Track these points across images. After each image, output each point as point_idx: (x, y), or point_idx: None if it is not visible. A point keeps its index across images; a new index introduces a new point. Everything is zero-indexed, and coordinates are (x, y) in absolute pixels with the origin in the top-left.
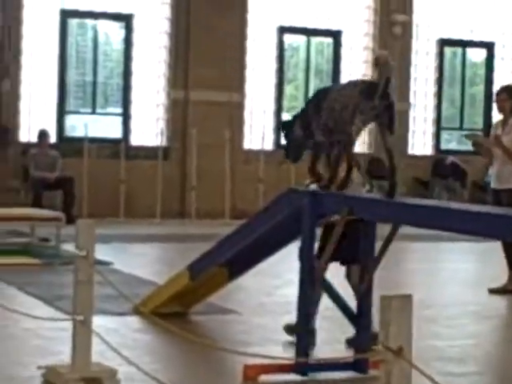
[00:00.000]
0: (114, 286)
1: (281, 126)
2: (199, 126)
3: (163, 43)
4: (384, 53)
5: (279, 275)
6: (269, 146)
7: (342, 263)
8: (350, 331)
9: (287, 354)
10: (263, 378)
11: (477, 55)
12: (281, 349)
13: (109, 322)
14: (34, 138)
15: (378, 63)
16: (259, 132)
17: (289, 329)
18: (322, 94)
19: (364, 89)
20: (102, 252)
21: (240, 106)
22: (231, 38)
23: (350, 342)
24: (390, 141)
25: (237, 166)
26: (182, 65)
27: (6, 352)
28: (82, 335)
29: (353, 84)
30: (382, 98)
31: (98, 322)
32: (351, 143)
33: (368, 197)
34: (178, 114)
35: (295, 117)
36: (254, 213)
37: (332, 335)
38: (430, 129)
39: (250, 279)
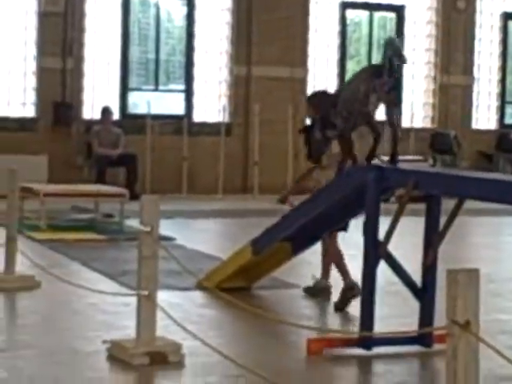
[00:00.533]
0: (178, 261)
1: (300, 130)
2: (262, 102)
3: (225, 19)
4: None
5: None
6: None
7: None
8: (414, 305)
9: (352, 328)
10: (327, 351)
11: None
12: (345, 323)
13: (173, 297)
14: (97, 115)
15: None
16: None
17: (308, 290)
18: (335, 96)
19: (374, 70)
20: (165, 228)
21: (302, 82)
22: (294, 14)
23: (307, 290)
24: (395, 116)
25: (299, 142)
26: (244, 41)
27: (72, 327)
28: (146, 310)
29: (361, 72)
30: (389, 75)
31: (162, 296)
32: (372, 119)
33: (433, 171)
34: (241, 90)
35: (314, 121)
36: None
37: (396, 310)
38: (494, 103)
39: (313, 254)
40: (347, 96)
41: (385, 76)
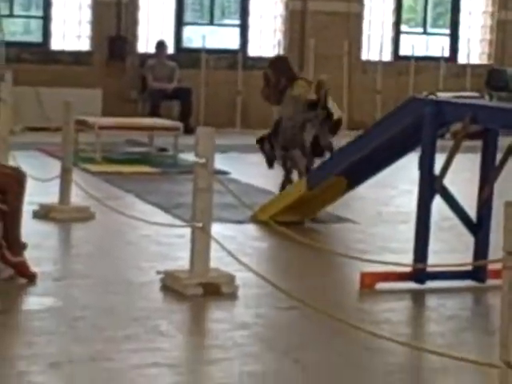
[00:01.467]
0: (233, 194)
1: (256, 141)
2: (317, 37)
3: None
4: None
5: (396, 185)
6: (387, 56)
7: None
8: (468, 241)
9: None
10: (380, 285)
11: None
12: (398, 257)
13: (226, 230)
14: (152, 49)
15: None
16: (377, 43)
17: None
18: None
19: (308, 104)
20: (219, 162)
21: (359, 17)
22: None
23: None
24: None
25: (354, 77)
26: None
27: (126, 258)
28: (200, 241)
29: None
30: (322, 109)
31: (216, 229)
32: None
33: (491, 104)
34: (296, 24)
35: (263, 137)
36: (371, 124)
37: (450, 245)
38: None
39: (367, 189)
40: (288, 126)
41: (318, 110)
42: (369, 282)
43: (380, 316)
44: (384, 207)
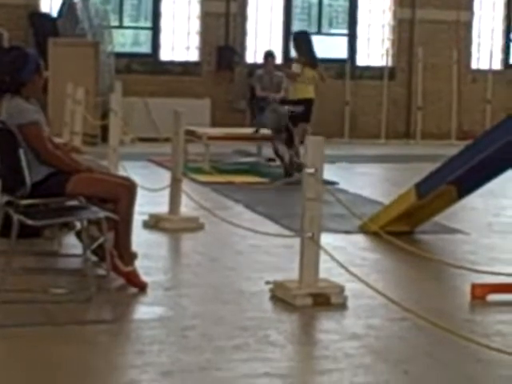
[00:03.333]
0: (342, 204)
1: None
2: (426, 46)
3: None
4: None
5: (507, 195)
6: (497, 65)
7: None
8: None
9: None
10: (491, 296)
11: None
12: (509, 269)
13: (336, 240)
14: (260, 59)
15: None
16: (487, 51)
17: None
18: None
19: None
20: (327, 172)
21: (468, 25)
22: None
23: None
24: None
25: (464, 86)
26: None
27: (235, 267)
28: (310, 251)
29: None
30: None
31: (325, 239)
32: None
33: None
34: (405, 33)
35: None
36: (480, 134)
37: None
38: None
39: (477, 199)
40: None
41: None
42: (480, 294)
43: (491, 328)
44: (495, 218)
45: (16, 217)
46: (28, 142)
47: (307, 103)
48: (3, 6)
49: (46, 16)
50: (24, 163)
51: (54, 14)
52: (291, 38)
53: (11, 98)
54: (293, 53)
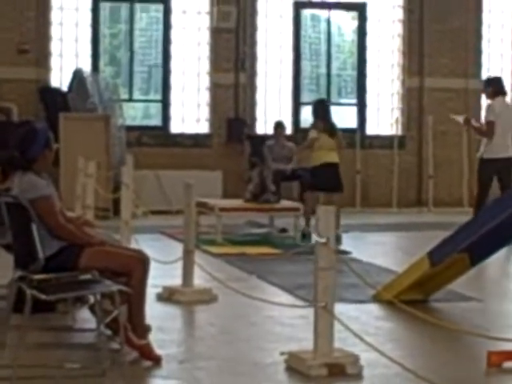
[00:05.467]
0: (356, 274)
1: None
2: (435, 114)
3: (397, 31)
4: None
5: None
6: None
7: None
8: None
9: None
10: (508, 364)
11: None
12: None
13: (349, 310)
14: (270, 130)
15: None
16: None
17: None
18: None
19: None
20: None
21: (477, 93)
22: (466, 24)
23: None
24: None
25: (474, 153)
26: (416, 52)
27: (250, 338)
28: (324, 321)
29: None
30: None
31: (339, 309)
32: None
33: None
34: (414, 102)
35: None
36: (492, 200)
37: None
38: None
39: (491, 265)
40: None
41: None
42: (496, 361)
43: None
44: (509, 284)
45: (29, 292)
46: (40, 217)
47: (328, 169)
48: (13, 80)
49: (57, 90)
50: (36, 238)
51: (64, 88)
52: (312, 104)
53: (22, 174)
54: (305, 121)
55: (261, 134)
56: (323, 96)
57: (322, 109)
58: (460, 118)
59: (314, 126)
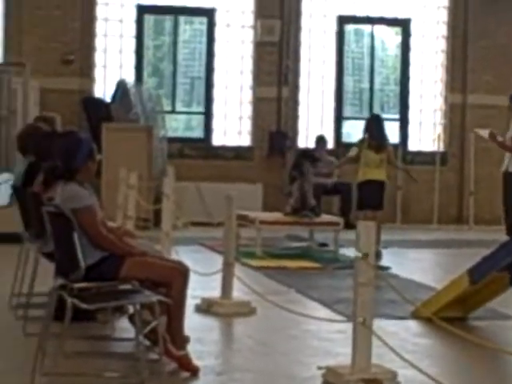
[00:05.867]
0: (395, 290)
1: None
2: None
3: (440, 47)
4: None
5: None
6: None
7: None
8: None
9: None
10: None
11: None
12: None
13: (388, 325)
14: (311, 144)
15: None
16: None
17: None
18: None
19: None
20: None
21: None
22: (510, 41)
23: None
24: None
25: None
26: (459, 68)
27: (288, 352)
28: (362, 337)
29: None
30: None
31: (377, 324)
32: None
33: None
34: (456, 118)
35: None
36: None
37: None
38: None
39: None
40: None
41: None
42: None
43: None
44: None
45: (69, 300)
46: (82, 227)
47: (371, 186)
48: (57, 91)
49: (100, 101)
50: (78, 247)
51: (108, 99)
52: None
53: (65, 184)
54: (347, 136)
55: (307, 148)
56: (365, 111)
57: (370, 125)
58: (485, 133)
59: (359, 142)
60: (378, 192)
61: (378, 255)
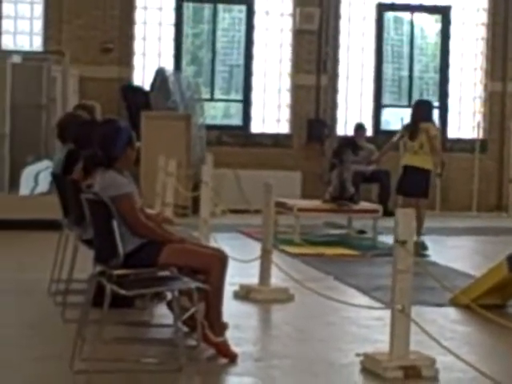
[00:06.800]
0: (434, 277)
1: None
2: None
3: (480, 35)
4: None
5: None
6: None
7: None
8: None
9: None
10: None
11: None
12: None
13: (426, 313)
14: (350, 132)
15: None
16: None
17: None
18: None
19: None
20: None
21: None
22: None
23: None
24: None
25: None
26: (500, 56)
27: (327, 339)
28: (400, 324)
29: None
30: None
31: (416, 311)
32: None
33: None
34: (496, 106)
35: None
36: None
37: None
38: None
39: None
40: None
41: None
42: None
43: None
44: None
45: (109, 286)
46: (121, 214)
47: (405, 172)
48: (96, 79)
49: (139, 89)
50: (117, 234)
51: (147, 87)
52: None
53: (104, 171)
54: (386, 123)
55: (349, 136)
56: (404, 98)
57: (413, 110)
58: None
59: (403, 128)
60: (409, 178)
61: (424, 246)
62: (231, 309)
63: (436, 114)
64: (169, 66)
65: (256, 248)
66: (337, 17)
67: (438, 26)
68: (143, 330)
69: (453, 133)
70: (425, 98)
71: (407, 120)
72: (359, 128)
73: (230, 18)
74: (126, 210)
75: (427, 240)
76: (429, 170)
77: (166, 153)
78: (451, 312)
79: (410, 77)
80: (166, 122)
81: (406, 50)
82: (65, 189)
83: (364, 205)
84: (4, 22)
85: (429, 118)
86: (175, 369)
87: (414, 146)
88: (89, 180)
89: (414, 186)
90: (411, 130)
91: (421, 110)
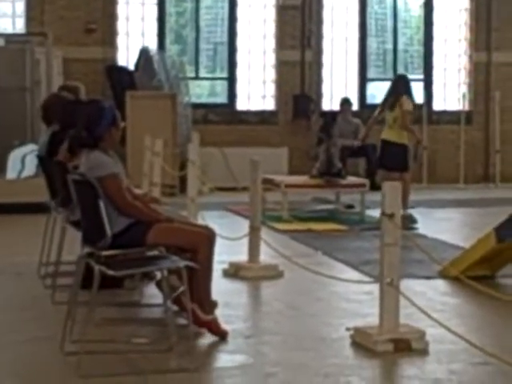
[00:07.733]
0: (422, 249)
1: None
2: (502, 89)
3: (464, 5)
4: None
5: None
6: None
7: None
8: None
9: None
10: None
11: None
12: None
13: (415, 285)
14: (336, 107)
15: None
16: None
17: None
18: None
19: None
20: None
21: None
22: None
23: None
24: None
25: None
26: (483, 27)
27: (317, 314)
28: (389, 297)
29: None
30: None
31: (405, 284)
32: None
33: None
34: (481, 77)
35: None
36: None
37: None
38: None
39: None
40: None
41: None
42: None
43: None
44: None
45: (97, 268)
46: (107, 194)
47: (382, 145)
48: (80, 60)
49: (123, 69)
50: (104, 215)
51: (131, 66)
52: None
53: (89, 152)
54: (372, 97)
55: (333, 111)
56: (389, 72)
57: (392, 84)
58: None
59: (383, 102)
60: (384, 151)
61: (413, 219)
62: (221, 287)
63: (421, 86)
64: (153, 45)
65: (244, 225)
66: None
67: None
68: (133, 310)
69: (438, 105)
70: (410, 70)
71: None
72: (345, 102)
73: None
74: (112, 190)
75: (415, 213)
76: (403, 144)
77: (152, 132)
78: (440, 284)
79: (395, 50)
80: (152, 101)
81: (389, 23)
82: (51, 171)
83: (351, 179)
84: None
85: (405, 92)
86: (166, 348)
87: (389, 120)
88: (75, 161)
89: (393, 160)
90: (390, 104)
91: (400, 84)
